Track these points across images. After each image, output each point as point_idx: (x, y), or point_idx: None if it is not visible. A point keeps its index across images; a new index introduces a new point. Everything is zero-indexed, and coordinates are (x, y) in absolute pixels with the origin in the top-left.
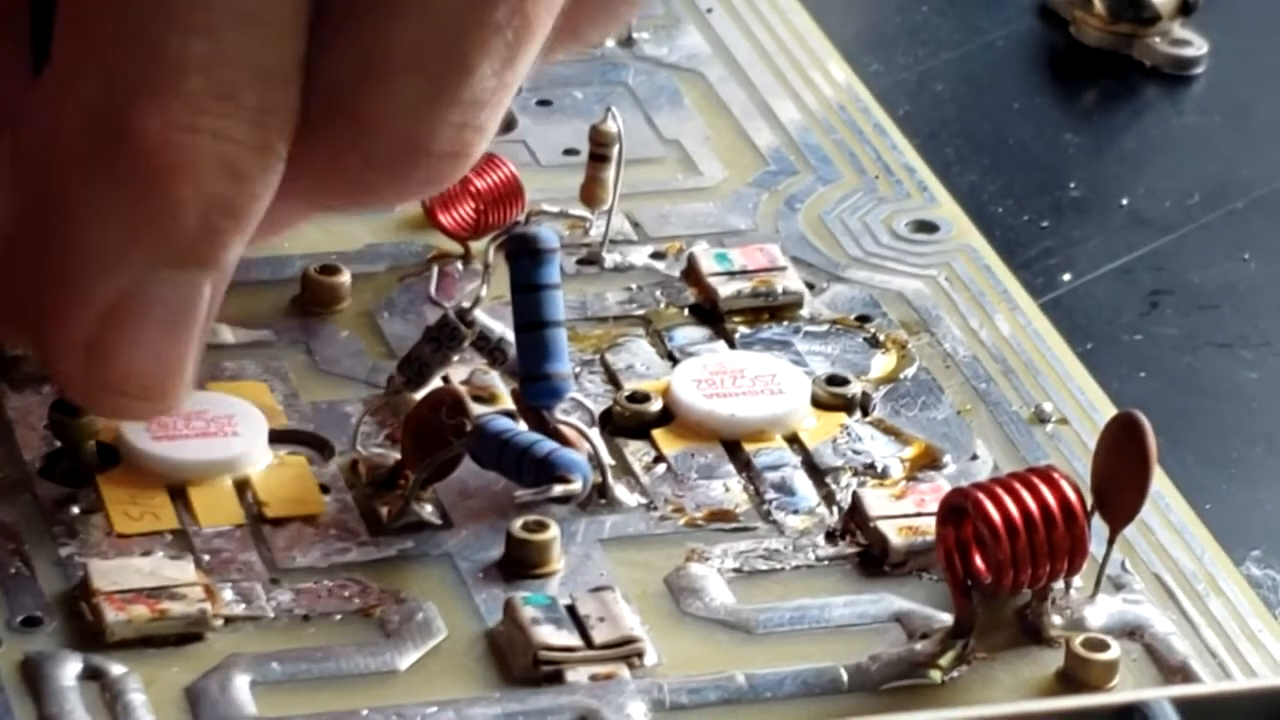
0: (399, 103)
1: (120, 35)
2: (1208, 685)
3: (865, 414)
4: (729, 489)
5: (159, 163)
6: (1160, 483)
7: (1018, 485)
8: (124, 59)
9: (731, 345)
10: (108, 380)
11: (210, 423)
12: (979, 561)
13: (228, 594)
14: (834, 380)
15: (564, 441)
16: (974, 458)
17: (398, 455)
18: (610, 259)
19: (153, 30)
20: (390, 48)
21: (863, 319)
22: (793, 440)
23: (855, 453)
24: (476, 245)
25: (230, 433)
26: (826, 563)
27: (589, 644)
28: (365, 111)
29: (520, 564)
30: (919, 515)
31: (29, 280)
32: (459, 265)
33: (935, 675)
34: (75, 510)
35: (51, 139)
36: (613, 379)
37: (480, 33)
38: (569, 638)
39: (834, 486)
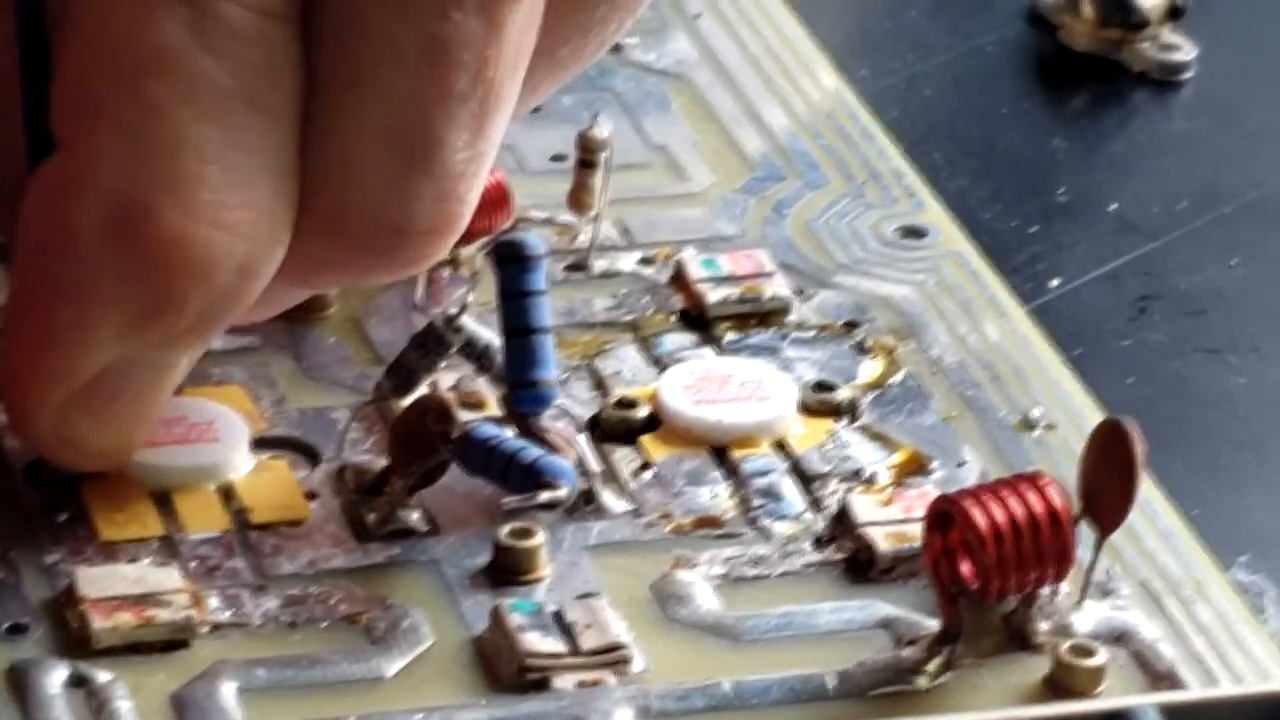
0: (373, 186)
1: (136, 118)
2: (1194, 691)
3: (853, 420)
4: (716, 495)
5: (175, 259)
6: (1148, 489)
7: (1005, 491)
8: (141, 143)
9: (719, 351)
10: (72, 440)
11: (191, 429)
12: (966, 568)
13: (214, 601)
14: (821, 386)
15: (551, 448)
16: (961, 464)
17: (384, 461)
18: (598, 265)
19: (171, 115)
20: (356, 131)
21: (850, 325)
22: (780, 446)
23: (843, 459)
24: (464, 251)
25: (212, 439)
26: (813, 569)
27: (575, 651)
28: (342, 198)
29: (507, 570)
30: (906, 521)
31: (13, 339)
32: (446, 272)
33: (922, 681)
34: (61, 517)
35: (61, 222)
36: (600, 385)
37: (444, 106)
38: (555, 644)
39: (821, 493)
